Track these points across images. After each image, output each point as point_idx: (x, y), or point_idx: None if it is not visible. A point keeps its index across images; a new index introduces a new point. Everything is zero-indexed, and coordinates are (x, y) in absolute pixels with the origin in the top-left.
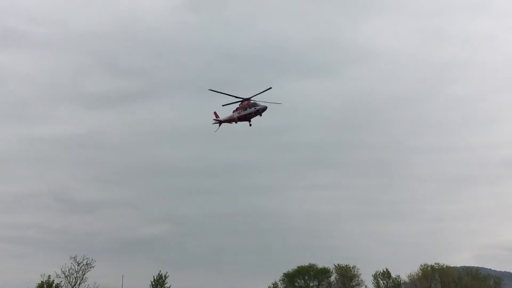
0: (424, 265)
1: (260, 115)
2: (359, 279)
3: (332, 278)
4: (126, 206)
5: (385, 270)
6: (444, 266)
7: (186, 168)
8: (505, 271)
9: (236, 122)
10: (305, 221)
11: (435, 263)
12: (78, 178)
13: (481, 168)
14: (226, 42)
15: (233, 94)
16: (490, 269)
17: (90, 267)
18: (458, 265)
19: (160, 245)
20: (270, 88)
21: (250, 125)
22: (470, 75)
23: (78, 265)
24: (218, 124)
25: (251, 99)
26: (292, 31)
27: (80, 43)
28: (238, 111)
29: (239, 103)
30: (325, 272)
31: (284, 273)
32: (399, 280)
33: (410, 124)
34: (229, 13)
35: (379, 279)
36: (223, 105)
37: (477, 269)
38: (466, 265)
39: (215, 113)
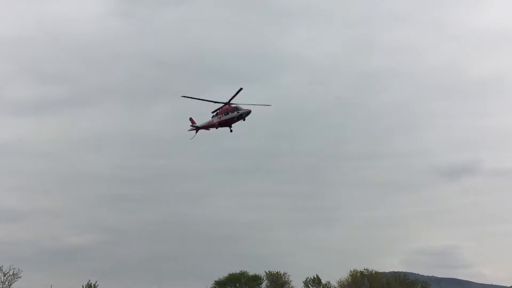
0: (354, 270)
1: (244, 120)
2: (290, 286)
3: (263, 285)
4: (52, 215)
5: (315, 276)
6: (373, 271)
7: (113, 176)
8: (432, 276)
9: (216, 128)
10: (236, 229)
11: (364, 269)
12: (1, 186)
13: (407, 175)
14: (155, 50)
15: (207, 99)
16: (418, 273)
17: (17, 278)
18: (386, 271)
19: (88, 254)
20: (241, 89)
21: (231, 130)
22: (396, 84)
23: (4, 276)
24: (194, 131)
25: (231, 103)
26: (222, 40)
27: (4, 49)
28: (219, 116)
29: (219, 108)
30: (256, 279)
31: (215, 281)
32: (329, 286)
33: (339, 131)
34: (159, 20)
35: (309, 285)
36: (213, 112)
37: (405, 274)
38: (394, 270)
39: (191, 119)
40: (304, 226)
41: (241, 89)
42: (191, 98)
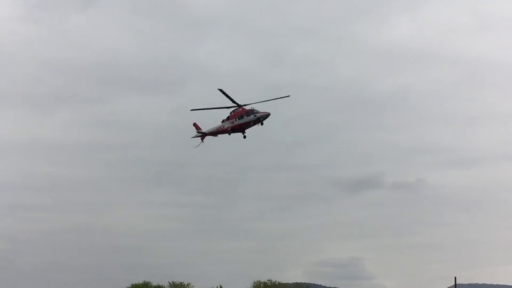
0: (257, 281)
1: (262, 124)
2: None
3: None
4: None
5: (219, 287)
6: (277, 282)
7: (10, 183)
8: (334, 287)
9: (229, 134)
10: (140, 239)
11: (267, 280)
12: None
13: (311, 187)
14: (61, 56)
15: (221, 106)
16: (320, 285)
17: None
18: (290, 282)
19: None
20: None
21: (245, 136)
22: (303, 97)
23: None
24: (200, 138)
25: (245, 104)
26: (130, 48)
27: None
28: (231, 120)
29: (231, 111)
30: None
31: None
32: None
33: (248, 143)
34: (66, 26)
35: None
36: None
37: (308, 285)
38: (297, 282)
39: (195, 124)
40: (209, 237)
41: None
42: (202, 109)
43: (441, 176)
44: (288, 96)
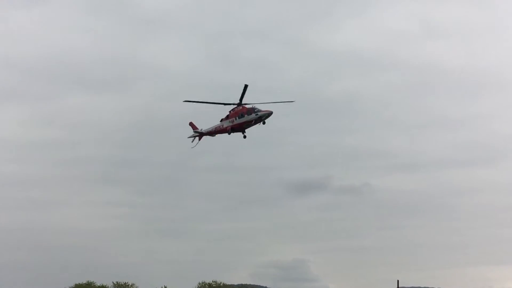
0: (202, 282)
1: (264, 123)
2: None
3: None
4: None
5: (163, 287)
6: (222, 283)
7: None
8: None
9: (229, 133)
10: (84, 238)
11: (212, 281)
12: None
13: (258, 189)
14: (9, 52)
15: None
16: (266, 286)
17: None
18: (235, 283)
19: None
20: (247, 85)
21: (245, 136)
22: (252, 99)
23: None
24: (197, 138)
25: (244, 103)
26: (79, 46)
27: None
28: (231, 119)
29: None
30: None
31: None
32: None
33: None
34: (16, 24)
35: None
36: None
37: (253, 286)
38: (242, 283)
39: (191, 123)
40: (154, 237)
41: (246, 85)
42: (195, 102)
43: (387, 180)
44: (293, 101)
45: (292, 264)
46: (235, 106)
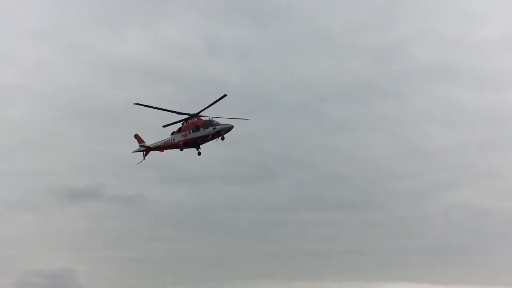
0: None
1: (223, 139)
2: None
3: None
4: None
5: None
6: None
7: None
8: None
9: (181, 149)
10: None
11: None
12: None
13: (27, 194)
14: None
15: (170, 109)
16: None
17: None
18: None
19: None
20: (225, 95)
21: (199, 153)
22: (22, 101)
23: None
24: (142, 153)
25: (201, 115)
26: None
27: None
28: (183, 133)
29: (182, 122)
30: None
31: None
32: None
33: None
34: None
35: None
36: (164, 126)
37: None
38: None
39: (137, 136)
40: None
41: (225, 95)
42: (145, 106)
43: (160, 192)
44: (248, 119)
45: (59, 273)
46: (189, 117)
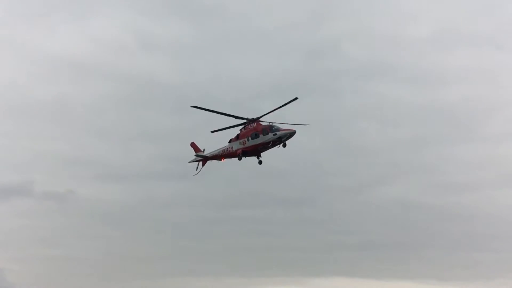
0: None
1: (284, 146)
2: None
3: None
4: None
5: None
6: None
7: None
8: None
9: (239, 159)
10: None
11: None
12: None
13: None
14: None
15: (227, 113)
16: None
17: None
18: None
19: None
20: (296, 98)
21: (260, 162)
22: None
23: None
24: (200, 163)
25: (261, 120)
26: None
27: None
28: (241, 141)
29: (241, 127)
30: None
31: None
32: None
33: None
34: None
35: None
36: (212, 132)
37: None
38: None
39: (193, 144)
40: None
41: (296, 98)
42: (203, 109)
43: (92, 189)
44: (308, 124)
45: None
46: (247, 122)
